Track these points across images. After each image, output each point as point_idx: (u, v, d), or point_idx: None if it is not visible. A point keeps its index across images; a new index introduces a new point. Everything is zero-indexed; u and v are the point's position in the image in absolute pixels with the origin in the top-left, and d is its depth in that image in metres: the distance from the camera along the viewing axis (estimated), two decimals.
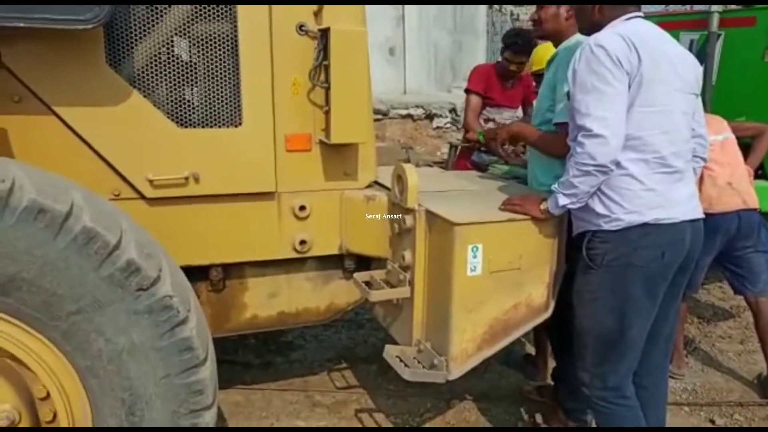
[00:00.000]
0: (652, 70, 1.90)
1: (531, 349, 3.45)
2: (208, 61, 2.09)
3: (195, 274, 2.16)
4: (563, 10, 2.41)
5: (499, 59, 3.81)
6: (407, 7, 11.89)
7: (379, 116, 9.60)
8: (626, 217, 1.94)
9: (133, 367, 1.63)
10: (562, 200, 1.99)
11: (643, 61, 1.89)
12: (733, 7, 4.21)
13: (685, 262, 2.06)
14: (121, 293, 1.57)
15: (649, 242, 1.94)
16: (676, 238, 1.98)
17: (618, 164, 1.92)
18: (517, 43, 3.63)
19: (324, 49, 2.12)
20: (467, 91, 3.82)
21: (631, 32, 1.94)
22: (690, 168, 2.09)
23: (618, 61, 1.87)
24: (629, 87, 1.90)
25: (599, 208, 1.98)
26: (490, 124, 3.72)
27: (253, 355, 3.45)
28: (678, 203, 1.98)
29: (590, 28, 2.10)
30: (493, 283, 2.07)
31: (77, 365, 1.61)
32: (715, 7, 4.07)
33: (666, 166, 1.95)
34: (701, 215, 2.07)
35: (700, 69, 2.16)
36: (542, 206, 2.07)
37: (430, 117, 9.89)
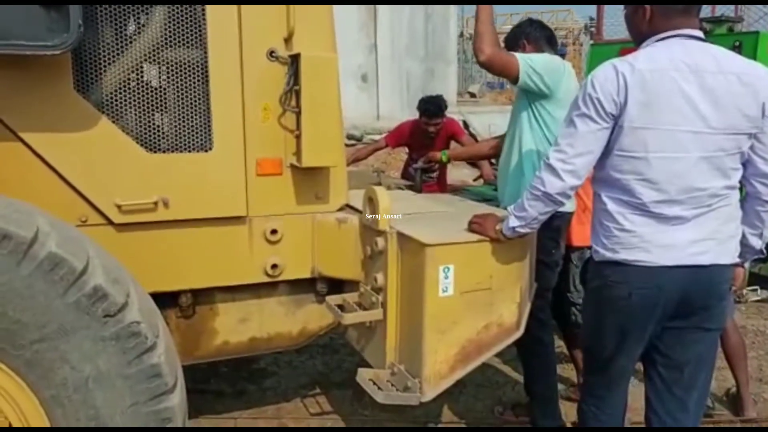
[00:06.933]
0: (640, 115, 1.76)
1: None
2: (178, 87, 2.09)
3: (164, 300, 2.12)
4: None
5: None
6: (379, 35, 12.09)
7: (353, 141, 9.67)
8: (603, 252, 1.91)
9: (100, 395, 1.59)
10: (513, 222, 1.99)
11: (629, 105, 1.75)
12: None
13: (685, 308, 1.87)
14: (88, 320, 1.54)
15: (618, 279, 1.88)
16: (650, 282, 1.84)
17: (599, 197, 1.91)
18: (429, 110, 4.29)
19: (295, 75, 2.14)
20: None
21: (643, 62, 1.77)
22: (707, 213, 1.82)
23: (598, 102, 1.78)
24: (612, 128, 1.81)
25: (592, 236, 1.97)
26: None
27: (224, 384, 3.39)
28: (666, 248, 1.82)
29: (638, 37, 1.93)
30: (465, 304, 2.08)
31: (41, 395, 1.56)
32: None
33: (650, 214, 1.82)
34: (709, 261, 1.83)
35: None
36: (498, 227, 2.05)
37: None
